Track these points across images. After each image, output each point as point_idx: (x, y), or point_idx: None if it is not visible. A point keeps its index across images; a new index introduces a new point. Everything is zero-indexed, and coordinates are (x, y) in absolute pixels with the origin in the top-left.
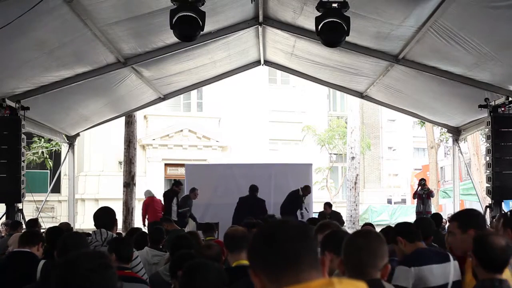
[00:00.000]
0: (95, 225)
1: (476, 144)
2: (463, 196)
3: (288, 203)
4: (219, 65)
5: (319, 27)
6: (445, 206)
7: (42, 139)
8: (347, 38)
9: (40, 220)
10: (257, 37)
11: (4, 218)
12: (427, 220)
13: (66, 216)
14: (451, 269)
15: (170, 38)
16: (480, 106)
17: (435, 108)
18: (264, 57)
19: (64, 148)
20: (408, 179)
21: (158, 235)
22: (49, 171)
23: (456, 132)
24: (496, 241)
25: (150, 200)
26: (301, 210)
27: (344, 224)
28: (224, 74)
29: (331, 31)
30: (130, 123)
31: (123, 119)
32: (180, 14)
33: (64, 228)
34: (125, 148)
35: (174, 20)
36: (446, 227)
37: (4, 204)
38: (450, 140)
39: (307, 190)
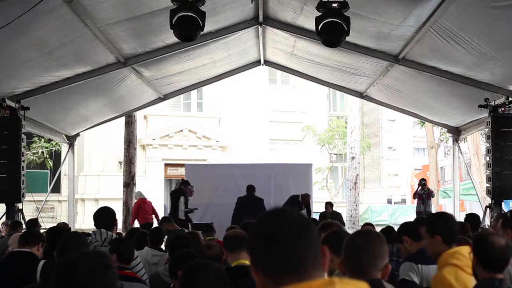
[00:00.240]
0: (95, 225)
1: (476, 144)
2: (463, 196)
3: (289, 205)
4: (219, 65)
5: (319, 27)
6: (445, 206)
7: (42, 139)
8: (347, 38)
9: (40, 220)
10: (257, 37)
11: (4, 218)
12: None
13: (66, 216)
14: None
15: (170, 38)
16: (480, 106)
17: (435, 108)
18: (264, 57)
19: (64, 148)
20: (408, 179)
21: (158, 235)
22: (49, 171)
23: (456, 132)
24: (496, 241)
25: (141, 202)
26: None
27: (345, 225)
28: (224, 74)
29: (331, 31)
30: (130, 123)
31: (123, 119)
32: (180, 14)
33: (62, 228)
34: (125, 148)
35: (174, 20)
36: None
37: (4, 204)
38: (450, 140)
39: (305, 199)
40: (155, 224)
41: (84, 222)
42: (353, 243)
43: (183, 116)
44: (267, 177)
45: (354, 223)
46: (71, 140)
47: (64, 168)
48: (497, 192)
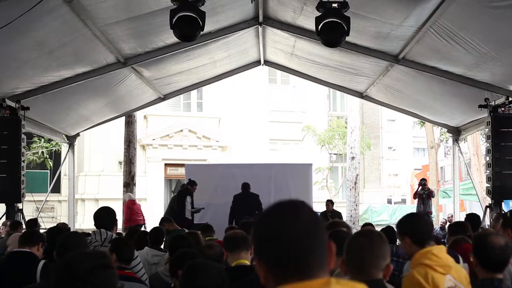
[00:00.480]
0: (95, 225)
1: (476, 144)
2: (463, 196)
3: None
4: (219, 65)
5: (319, 27)
6: (445, 206)
7: (42, 139)
8: (347, 38)
9: (40, 220)
10: (257, 37)
11: (4, 218)
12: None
13: (66, 216)
14: None
15: (170, 38)
16: (480, 106)
17: (435, 108)
18: (264, 57)
19: (64, 148)
20: (408, 179)
21: (158, 235)
22: (49, 171)
23: (456, 132)
24: (496, 240)
25: (130, 203)
26: None
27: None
28: (224, 74)
29: (331, 31)
30: (130, 123)
31: (123, 119)
32: (180, 14)
33: (62, 228)
34: (125, 148)
35: (174, 20)
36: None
37: (4, 204)
38: (450, 140)
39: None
40: (155, 225)
41: (84, 222)
42: (355, 243)
43: (183, 116)
44: (267, 177)
45: (354, 223)
46: (71, 140)
47: (64, 168)
48: (497, 192)
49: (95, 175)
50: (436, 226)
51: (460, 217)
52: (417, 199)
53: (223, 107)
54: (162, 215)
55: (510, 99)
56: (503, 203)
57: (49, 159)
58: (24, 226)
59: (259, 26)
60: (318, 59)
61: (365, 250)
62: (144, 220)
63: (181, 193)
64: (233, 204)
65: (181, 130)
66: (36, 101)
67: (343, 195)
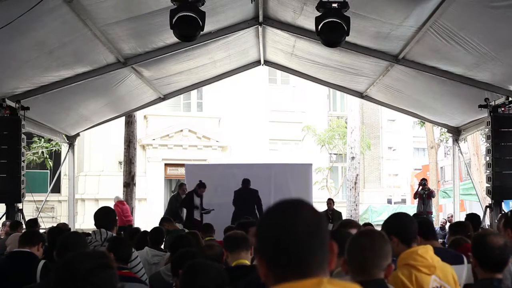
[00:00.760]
0: (95, 224)
1: (476, 144)
2: (463, 196)
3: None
4: (219, 65)
5: (319, 27)
6: (445, 206)
7: (42, 139)
8: (347, 38)
9: (40, 220)
10: (257, 37)
11: (4, 218)
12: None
13: (66, 216)
14: (464, 272)
15: (170, 38)
16: (480, 106)
17: (435, 108)
18: (264, 57)
19: (64, 148)
20: (408, 179)
21: (158, 235)
22: (49, 171)
23: (456, 132)
24: (495, 240)
25: (120, 204)
26: None
27: None
28: (224, 74)
29: (331, 31)
30: (130, 123)
31: (123, 119)
32: (180, 14)
33: (63, 228)
34: (125, 148)
35: (174, 20)
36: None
37: (4, 204)
38: (450, 140)
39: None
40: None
41: (84, 222)
42: (357, 243)
43: (183, 116)
44: (267, 177)
45: None
46: (71, 140)
47: (64, 168)
48: (497, 192)
49: (95, 175)
50: (436, 226)
51: (460, 217)
52: (417, 199)
53: (223, 107)
54: (162, 215)
55: (510, 99)
56: (503, 203)
57: (49, 159)
58: (24, 226)
59: (259, 26)
60: (318, 59)
61: (367, 250)
62: (131, 221)
63: (190, 194)
64: (233, 200)
65: (181, 130)
66: (36, 101)
67: (343, 195)
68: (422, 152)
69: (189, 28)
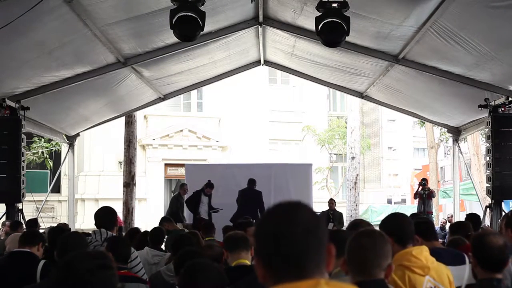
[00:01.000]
0: (95, 224)
1: (476, 144)
2: (463, 196)
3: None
4: (219, 65)
5: (319, 27)
6: (445, 206)
7: (42, 139)
8: (347, 38)
9: (40, 220)
10: (257, 37)
11: (4, 218)
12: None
13: (66, 216)
14: (466, 272)
15: (170, 38)
16: (480, 106)
17: (435, 108)
18: (264, 57)
19: (64, 148)
20: (408, 179)
21: (158, 235)
22: (49, 171)
23: (456, 132)
24: (494, 240)
25: None
26: None
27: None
28: (224, 74)
29: (331, 31)
30: (130, 123)
31: (123, 119)
32: (180, 14)
33: (63, 228)
34: (125, 148)
35: (174, 20)
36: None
37: (4, 204)
38: (450, 140)
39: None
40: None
41: (84, 222)
42: (358, 243)
43: (183, 116)
44: (267, 177)
45: None
46: (71, 140)
47: (64, 168)
48: (497, 192)
49: (95, 175)
50: (436, 226)
51: (460, 217)
52: (418, 199)
53: (223, 107)
54: (162, 215)
55: (510, 99)
56: (503, 203)
57: (49, 159)
58: (24, 226)
59: (259, 26)
60: (318, 59)
61: (367, 250)
62: (121, 223)
63: (196, 194)
64: (237, 199)
65: (181, 130)
66: (36, 101)
67: (343, 195)
68: (422, 152)
69: (189, 28)
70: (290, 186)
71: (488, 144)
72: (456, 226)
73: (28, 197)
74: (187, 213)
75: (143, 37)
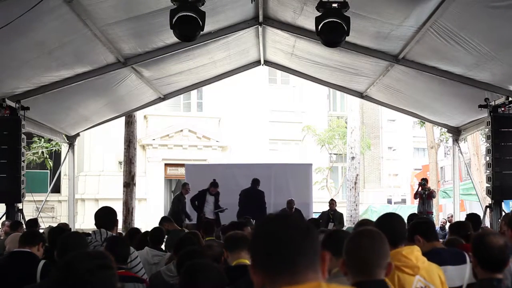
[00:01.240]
0: (95, 224)
1: (476, 144)
2: (463, 196)
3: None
4: (219, 65)
5: (319, 27)
6: (445, 206)
7: (42, 139)
8: (347, 38)
9: (40, 220)
10: (257, 37)
11: (4, 218)
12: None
13: (66, 216)
14: (467, 271)
15: (170, 38)
16: (480, 106)
17: (435, 108)
18: (264, 57)
19: (64, 148)
20: (408, 179)
21: (158, 235)
22: (49, 171)
23: (456, 132)
24: (494, 240)
25: None
26: None
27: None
28: (224, 74)
29: (331, 31)
30: (130, 123)
31: (123, 119)
32: (180, 14)
33: (64, 228)
34: (125, 148)
35: (174, 20)
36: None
37: (4, 204)
38: (450, 140)
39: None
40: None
41: (84, 222)
42: (357, 243)
43: (183, 116)
44: (267, 177)
45: (354, 223)
46: (71, 140)
47: (64, 168)
48: (497, 192)
49: (95, 175)
50: (436, 226)
51: (460, 217)
52: (418, 199)
53: (223, 107)
54: (162, 215)
55: (510, 99)
56: (503, 203)
57: (49, 159)
58: (24, 226)
59: (259, 26)
60: (318, 59)
61: (369, 250)
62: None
63: (202, 193)
64: (239, 199)
65: (181, 130)
66: (36, 101)
67: (343, 195)
68: (422, 152)
69: (189, 28)
70: (290, 186)
71: (488, 144)
72: (456, 226)
73: (28, 197)
74: (194, 213)
75: (143, 37)
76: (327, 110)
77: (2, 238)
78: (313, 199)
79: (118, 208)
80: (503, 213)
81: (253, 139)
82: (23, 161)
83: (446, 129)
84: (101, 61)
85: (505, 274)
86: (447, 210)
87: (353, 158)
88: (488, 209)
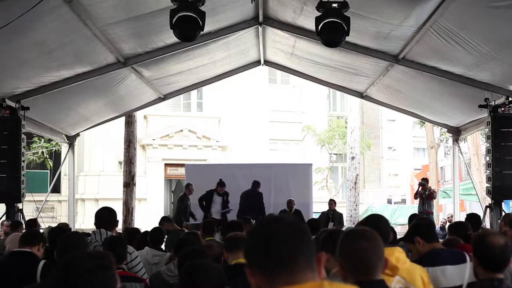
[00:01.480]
0: (95, 224)
1: (476, 144)
2: (463, 196)
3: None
4: (219, 65)
5: (319, 27)
6: (445, 206)
7: (42, 139)
8: (347, 38)
9: (40, 220)
10: (257, 37)
11: (4, 218)
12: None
13: (66, 216)
14: (467, 270)
15: (170, 38)
16: (480, 106)
17: (435, 108)
18: (264, 57)
19: (64, 148)
20: (408, 179)
21: (158, 235)
22: (49, 171)
23: (456, 132)
24: (495, 240)
25: None
26: None
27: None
28: (224, 74)
29: (331, 31)
30: (130, 123)
31: (123, 119)
32: (180, 14)
33: (64, 228)
34: (125, 148)
35: (174, 20)
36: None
37: (4, 204)
38: (450, 140)
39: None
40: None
41: (84, 222)
42: (356, 245)
43: (183, 116)
44: (267, 177)
45: (354, 223)
46: (71, 140)
47: (64, 168)
48: (497, 192)
49: (95, 175)
50: (436, 226)
51: (460, 217)
52: (418, 199)
53: (223, 107)
54: (162, 215)
55: (510, 99)
56: (503, 203)
57: (49, 159)
58: (24, 226)
59: (259, 26)
60: (318, 59)
61: (369, 252)
62: None
63: (209, 193)
64: (240, 200)
65: (181, 130)
66: (36, 101)
67: (343, 195)
68: (422, 152)
69: (189, 28)
70: (290, 186)
71: (488, 144)
72: (455, 226)
73: (28, 197)
74: (200, 213)
75: (143, 37)
76: (327, 110)
77: (2, 238)
78: (313, 199)
79: (118, 208)
80: (503, 213)
81: (253, 139)
82: (23, 161)
83: (446, 129)
84: (101, 61)
85: (506, 274)
86: (447, 210)
87: (353, 158)
88: (488, 209)
